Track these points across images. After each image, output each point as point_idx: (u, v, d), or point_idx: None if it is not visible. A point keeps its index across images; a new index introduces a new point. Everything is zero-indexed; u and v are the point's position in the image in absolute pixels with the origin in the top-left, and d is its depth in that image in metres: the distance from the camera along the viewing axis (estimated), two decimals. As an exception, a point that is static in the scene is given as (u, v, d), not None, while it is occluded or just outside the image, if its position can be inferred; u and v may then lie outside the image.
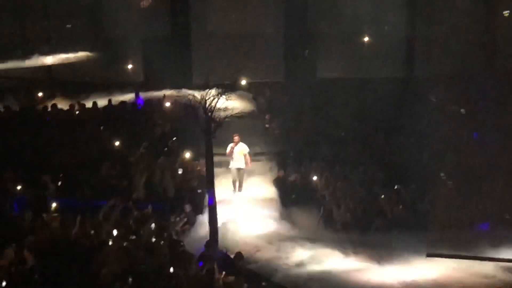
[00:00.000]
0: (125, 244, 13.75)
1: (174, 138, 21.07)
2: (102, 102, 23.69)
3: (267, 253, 16.62)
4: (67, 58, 27.98)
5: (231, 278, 13.68)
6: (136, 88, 24.98)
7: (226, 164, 20.01)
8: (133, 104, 24.01)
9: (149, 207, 16.44)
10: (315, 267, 15.89)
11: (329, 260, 16.25)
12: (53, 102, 23.46)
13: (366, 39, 27.83)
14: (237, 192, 19.88)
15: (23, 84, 26.28)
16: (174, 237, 15.85)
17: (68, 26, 28.25)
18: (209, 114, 15.64)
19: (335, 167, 20.29)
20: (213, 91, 15.80)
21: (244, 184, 20.10)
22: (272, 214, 18.87)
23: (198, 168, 19.63)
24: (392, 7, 27.02)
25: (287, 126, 23.44)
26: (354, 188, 19.27)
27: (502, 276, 15.33)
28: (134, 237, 14.61)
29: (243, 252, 15.68)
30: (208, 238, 15.99)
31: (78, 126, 21.37)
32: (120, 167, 18.96)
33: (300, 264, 16.05)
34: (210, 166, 16.33)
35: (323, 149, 21.53)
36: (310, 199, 19.38)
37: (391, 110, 23.20)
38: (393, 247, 16.58)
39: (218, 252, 15.52)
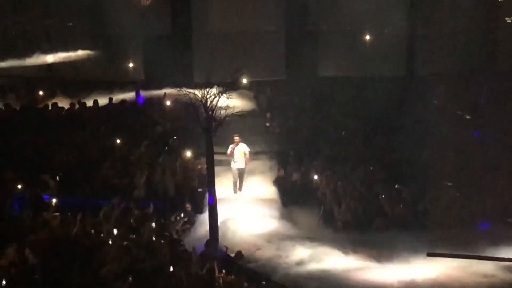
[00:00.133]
0: (125, 243, 13.72)
1: (175, 137, 21.06)
2: (102, 101, 23.76)
3: (267, 252, 16.61)
4: (68, 57, 28.03)
5: (231, 277, 13.71)
6: (137, 86, 24.99)
7: (226, 163, 19.99)
8: (134, 103, 24.06)
9: (150, 206, 16.42)
10: (315, 266, 15.87)
11: (329, 259, 16.23)
12: (53, 100, 23.49)
13: (367, 38, 27.85)
14: (237, 192, 19.88)
15: (23, 82, 26.21)
16: (175, 236, 15.84)
17: (69, 24, 28.32)
18: (210, 112, 15.66)
19: (336, 166, 20.29)
20: (213, 90, 15.84)
21: (244, 183, 20.09)
22: (272, 213, 18.89)
23: (199, 167, 19.63)
24: (393, 6, 26.96)
25: (287, 125, 23.46)
26: (354, 187, 19.23)
27: (502, 275, 15.29)
28: (134, 236, 14.60)
29: (243, 251, 15.77)
30: (209, 237, 16.02)
31: (79, 124, 21.38)
32: (120, 166, 18.98)
33: (300, 263, 16.03)
34: (210, 165, 16.36)
35: (324, 148, 21.53)
36: (310, 198, 19.41)
37: (392, 109, 23.23)
38: (393, 246, 16.55)
39: (219, 251, 15.54)
